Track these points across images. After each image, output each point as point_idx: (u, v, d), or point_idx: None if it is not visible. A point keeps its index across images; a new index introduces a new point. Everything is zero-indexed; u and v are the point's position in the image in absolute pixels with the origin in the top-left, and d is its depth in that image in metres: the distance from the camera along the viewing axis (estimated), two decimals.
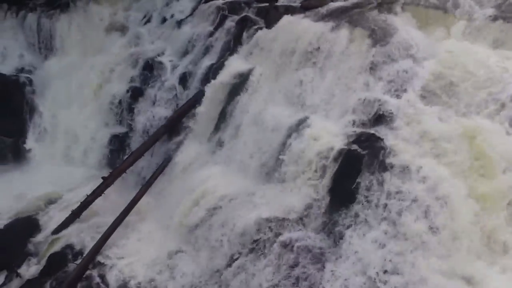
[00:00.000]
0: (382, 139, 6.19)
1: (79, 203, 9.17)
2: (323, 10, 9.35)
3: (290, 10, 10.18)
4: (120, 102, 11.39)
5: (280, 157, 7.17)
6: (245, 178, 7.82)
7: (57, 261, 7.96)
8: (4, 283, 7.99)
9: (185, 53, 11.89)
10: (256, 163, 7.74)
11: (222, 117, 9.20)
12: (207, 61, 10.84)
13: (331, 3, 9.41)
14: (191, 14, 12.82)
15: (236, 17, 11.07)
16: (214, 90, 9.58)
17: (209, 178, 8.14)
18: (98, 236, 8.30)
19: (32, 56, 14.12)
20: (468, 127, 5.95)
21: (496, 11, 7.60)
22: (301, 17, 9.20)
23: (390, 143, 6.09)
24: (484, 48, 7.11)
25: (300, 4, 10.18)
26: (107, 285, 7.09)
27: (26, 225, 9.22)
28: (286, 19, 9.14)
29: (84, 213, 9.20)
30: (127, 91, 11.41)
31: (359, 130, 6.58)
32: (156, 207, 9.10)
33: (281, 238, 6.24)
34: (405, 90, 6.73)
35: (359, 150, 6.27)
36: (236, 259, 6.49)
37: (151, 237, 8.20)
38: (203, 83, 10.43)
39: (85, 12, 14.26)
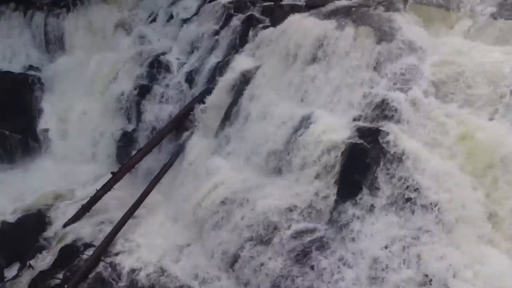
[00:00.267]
0: (387, 133, 6.37)
1: (89, 198, 9.37)
2: (327, 8, 9.53)
3: (295, 8, 10.39)
4: (127, 99, 11.57)
5: (287, 151, 7.35)
6: (253, 172, 8.00)
7: (68, 253, 8.15)
8: (17, 275, 8.19)
9: (191, 51, 12.11)
10: (263, 157, 7.91)
11: (229, 113, 9.37)
12: (213, 59, 11.05)
13: (336, 1, 9.60)
14: (196, 13, 13.02)
15: (242, 16, 11.29)
16: (221, 87, 9.76)
17: (217, 172, 8.33)
18: (107, 230, 8.53)
19: (39, 55, 14.33)
20: (471, 121, 6.13)
21: (498, 9, 7.77)
22: (306, 15, 9.37)
23: (395, 137, 6.28)
24: (486, 46, 7.28)
25: (305, 3, 10.38)
26: (118, 275, 7.27)
27: (37, 220, 9.43)
28: (292, 17, 9.32)
29: (94, 208, 9.41)
30: (135, 88, 11.60)
31: (364, 124, 6.76)
32: (164, 201, 9.29)
33: (289, 228, 6.44)
34: (409, 86, 6.91)
35: (365, 143, 6.46)
36: (246, 249, 6.66)
37: (160, 230, 8.39)
38: (209, 80, 10.66)
39: (91, 11, 14.48)
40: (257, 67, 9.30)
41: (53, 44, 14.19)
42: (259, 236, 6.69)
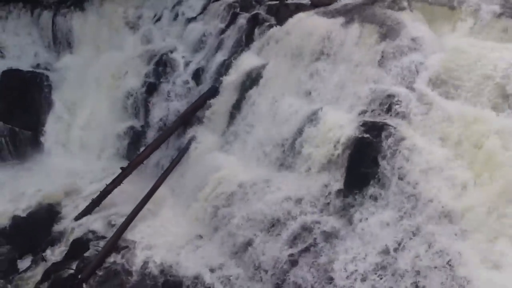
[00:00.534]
0: (393, 127, 6.57)
1: (99, 192, 9.57)
2: (332, 7, 9.75)
3: (300, 7, 10.56)
4: (135, 96, 11.78)
5: (295, 146, 7.55)
6: (260, 167, 8.21)
7: (80, 245, 8.33)
8: (30, 266, 8.40)
9: (197, 49, 12.29)
10: (270, 152, 8.12)
11: (236, 110, 9.57)
12: (220, 57, 11.23)
13: (341, 0, 9.79)
14: (201, 12, 13.21)
15: (248, 15, 11.45)
16: (228, 84, 9.95)
17: (225, 167, 8.51)
18: (117, 223, 8.72)
19: (47, 53, 14.56)
20: (474, 116, 6.30)
21: (501, 8, 7.96)
22: (311, 14, 9.57)
23: (401, 131, 6.48)
24: (489, 43, 7.44)
25: (310, 2, 10.56)
26: (130, 266, 7.44)
27: (48, 214, 9.64)
28: (298, 15, 9.52)
29: (103, 202, 9.60)
30: (142, 86, 11.80)
31: (370, 119, 6.95)
32: (172, 196, 9.47)
33: (297, 220, 6.64)
34: (414, 82, 7.12)
35: (371, 138, 6.65)
36: (255, 240, 6.86)
37: (169, 223, 8.55)
38: (216, 78, 10.85)
39: (98, 10, 14.69)
40: (264, 65, 9.49)
41: (61, 42, 14.40)
42: (268, 227, 6.89)
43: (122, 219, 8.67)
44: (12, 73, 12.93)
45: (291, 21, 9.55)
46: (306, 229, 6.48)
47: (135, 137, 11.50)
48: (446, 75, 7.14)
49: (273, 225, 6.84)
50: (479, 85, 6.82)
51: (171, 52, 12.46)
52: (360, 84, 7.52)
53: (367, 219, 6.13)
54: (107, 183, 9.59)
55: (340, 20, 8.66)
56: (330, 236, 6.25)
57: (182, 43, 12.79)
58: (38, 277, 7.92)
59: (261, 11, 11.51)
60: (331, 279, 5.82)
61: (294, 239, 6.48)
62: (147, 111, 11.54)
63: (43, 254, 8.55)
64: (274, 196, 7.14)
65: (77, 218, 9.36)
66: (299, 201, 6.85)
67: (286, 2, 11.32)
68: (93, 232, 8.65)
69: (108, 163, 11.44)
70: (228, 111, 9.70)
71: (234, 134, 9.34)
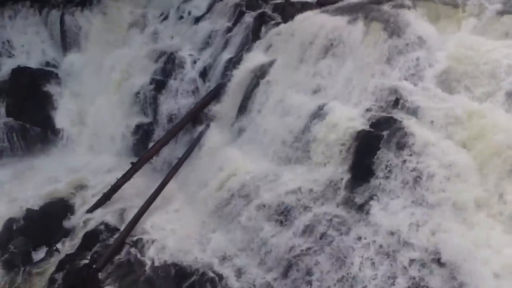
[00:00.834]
0: (399, 121, 6.79)
1: (110, 187, 9.78)
2: (338, 6, 9.97)
3: (306, 6, 10.81)
4: (144, 93, 11.98)
5: (303, 139, 7.76)
6: (268, 160, 8.41)
7: (92, 237, 8.54)
8: (45, 257, 8.62)
9: (204, 47, 12.49)
10: (279, 147, 8.32)
11: (244, 106, 9.78)
12: (226, 55, 11.46)
13: None
14: (208, 11, 13.42)
15: (254, 13, 11.67)
16: (235, 81, 10.16)
17: (233, 161, 8.72)
18: (128, 216, 8.95)
19: (55, 52, 14.74)
20: (478, 110, 6.53)
21: (504, 6, 8.19)
22: (318, 12, 9.79)
23: (407, 124, 6.69)
24: (492, 41, 7.67)
25: (316, 0, 10.78)
26: (143, 256, 7.68)
27: (60, 207, 9.84)
28: (305, 13, 9.73)
29: (114, 196, 9.81)
30: (150, 83, 12.00)
31: (377, 114, 7.17)
32: (181, 190, 9.69)
33: (307, 210, 6.86)
34: (419, 78, 7.36)
35: (378, 131, 6.86)
36: (265, 230, 7.08)
37: (178, 216, 8.79)
38: (223, 75, 11.08)
39: (105, 9, 14.91)
40: (271, 62, 9.70)
41: (69, 41, 14.57)
42: (277, 218, 7.11)
43: (133, 212, 8.90)
44: (22, 71, 13.18)
45: (298, 19, 9.76)
46: (315, 219, 6.70)
47: (143, 133, 11.71)
48: (451, 71, 7.37)
49: (283, 215, 7.06)
50: (483, 80, 7.05)
51: (179, 50, 12.67)
52: (367, 80, 7.73)
53: (374, 208, 6.34)
54: (118, 178, 9.80)
55: (346, 18, 8.86)
56: (339, 225, 6.46)
57: (189, 41, 12.98)
58: (53, 268, 8.13)
59: (267, 9, 11.75)
60: (341, 266, 6.03)
61: (304, 229, 6.70)
62: (155, 108, 11.74)
63: (57, 246, 8.77)
64: (284, 188, 7.37)
65: (89, 211, 9.57)
66: (308, 192, 7.07)
67: (292, 0, 11.55)
68: (105, 224, 8.85)
69: (117, 159, 11.63)
70: (236, 107, 9.90)
71: (241, 129, 9.55)
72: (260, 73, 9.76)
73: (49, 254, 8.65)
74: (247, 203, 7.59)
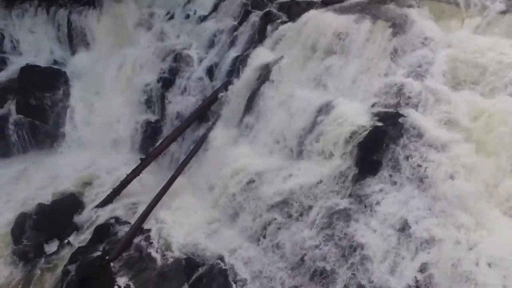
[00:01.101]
0: (405, 116, 6.98)
1: (119, 182, 9.98)
2: (343, 5, 10.17)
3: (311, 5, 10.99)
4: (151, 91, 12.20)
5: (310, 135, 7.94)
6: (276, 156, 8.59)
7: (103, 231, 8.72)
8: (57, 250, 8.84)
9: (210, 46, 12.69)
10: (286, 142, 8.51)
11: (250, 103, 9.93)
12: (233, 53, 11.66)
13: None
14: (214, 10, 13.62)
15: (260, 12, 11.87)
16: (242, 79, 10.35)
17: (241, 157, 8.89)
18: (138, 210, 9.14)
19: (63, 50, 14.93)
20: (481, 105, 6.72)
21: (506, 5, 8.39)
22: (323, 11, 9.98)
23: (413, 120, 6.88)
24: (495, 39, 7.85)
25: (321, 0, 10.97)
26: (154, 248, 7.85)
27: (71, 202, 10.03)
28: (310, 12, 9.93)
29: (123, 192, 10.01)
30: (158, 81, 12.21)
31: (383, 109, 7.36)
32: (189, 185, 9.85)
33: (315, 203, 7.04)
34: (424, 75, 7.56)
35: (384, 126, 7.06)
36: (274, 223, 7.26)
37: (188, 210, 8.89)
38: (230, 73, 11.27)
39: (112, 8, 15.08)
40: (278, 60, 9.87)
41: (77, 40, 14.76)
42: (285, 211, 7.29)
43: (142, 207, 9.10)
44: (31, 69, 13.33)
45: (304, 18, 9.94)
46: (324, 211, 6.88)
47: (151, 131, 11.93)
48: (455, 68, 7.57)
49: (291, 209, 7.23)
50: (486, 77, 7.24)
51: (185, 49, 12.87)
52: (373, 77, 7.94)
53: (381, 200, 6.54)
54: (127, 173, 10.00)
55: (352, 16, 9.06)
56: (347, 217, 6.65)
57: (196, 40, 13.18)
58: (65, 260, 8.32)
59: (273, 8, 11.93)
60: (350, 256, 6.22)
61: (312, 221, 6.88)
62: (163, 106, 11.96)
63: (69, 239, 8.97)
64: (292, 182, 7.55)
65: (99, 206, 9.78)
66: (315, 186, 7.25)
67: (297, 0, 11.74)
68: (115, 218, 9.05)
69: (125, 155, 11.86)
70: (242, 105, 10.08)
71: (249, 126, 9.69)
72: (267, 70, 9.93)
73: (62, 247, 8.87)
74: (255, 197, 7.77)
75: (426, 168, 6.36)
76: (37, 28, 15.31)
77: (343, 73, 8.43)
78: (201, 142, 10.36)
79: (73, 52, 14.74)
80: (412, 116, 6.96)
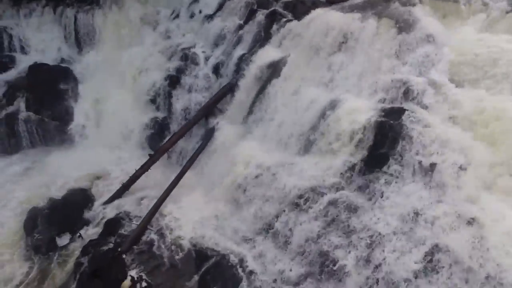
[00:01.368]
0: (410, 111, 7.16)
1: (128, 177, 10.17)
2: (348, 3, 10.37)
3: (316, 4, 11.19)
4: (158, 89, 12.40)
5: (317, 130, 8.13)
6: (283, 151, 8.79)
7: (114, 225, 8.89)
8: (69, 243, 9.03)
9: (216, 45, 12.90)
10: (293, 138, 8.69)
11: (257, 100, 10.12)
12: (239, 52, 11.83)
13: None
14: (219, 9, 13.80)
15: (265, 11, 12.05)
16: (249, 76, 10.53)
17: (249, 152, 9.07)
18: (148, 204, 9.32)
19: (70, 49, 15.17)
20: (486, 101, 6.90)
21: (509, 4, 8.57)
22: (328, 9, 10.17)
23: (418, 115, 7.07)
24: (498, 36, 8.04)
25: None
26: (164, 240, 8.04)
27: (81, 197, 10.23)
28: (316, 11, 10.10)
29: (132, 187, 10.20)
30: (165, 79, 12.40)
31: (388, 105, 7.54)
32: (198, 180, 10.05)
33: (322, 196, 7.23)
34: (428, 71, 7.73)
35: (390, 121, 7.23)
36: (282, 215, 7.46)
37: (197, 204, 9.11)
38: (236, 71, 11.45)
39: (119, 8, 15.31)
40: (284, 57, 10.07)
41: (83, 38, 14.98)
42: (293, 204, 7.48)
43: (151, 202, 9.29)
44: (39, 67, 13.56)
45: (310, 16, 10.12)
46: (331, 204, 7.07)
47: (158, 128, 12.13)
48: (458, 65, 7.74)
49: (299, 201, 7.42)
50: (489, 73, 7.42)
51: (192, 47, 13.07)
52: (378, 74, 8.11)
53: (388, 192, 6.72)
54: (136, 169, 10.19)
55: (357, 15, 9.25)
56: (353, 209, 6.83)
57: (201, 39, 13.39)
58: (77, 253, 8.51)
59: (278, 7, 12.12)
60: (358, 247, 6.40)
61: (320, 213, 7.06)
62: (170, 103, 12.15)
63: (80, 232, 9.17)
64: (299, 175, 7.75)
65: (108, 201, 9.98)
66: (323, 179, 7.44)
67: None
68: (126, 212, 9.22)
69: (133, 152, 12.03)
70: (250, 101, 10.26)
71: (255, 122, 9.90)
72: (274, 68, 10.12)
73: (73, 240, 9.06)
74: (263, 190, 7.96)
75: (432, 161, 6.54)
76: (45, 27, 15.55)
77: (349, 70, 8.61)
78: (208, 138, 10.55)
79: (80, 50, 14.99)
80: (417, 111, 7.15)
